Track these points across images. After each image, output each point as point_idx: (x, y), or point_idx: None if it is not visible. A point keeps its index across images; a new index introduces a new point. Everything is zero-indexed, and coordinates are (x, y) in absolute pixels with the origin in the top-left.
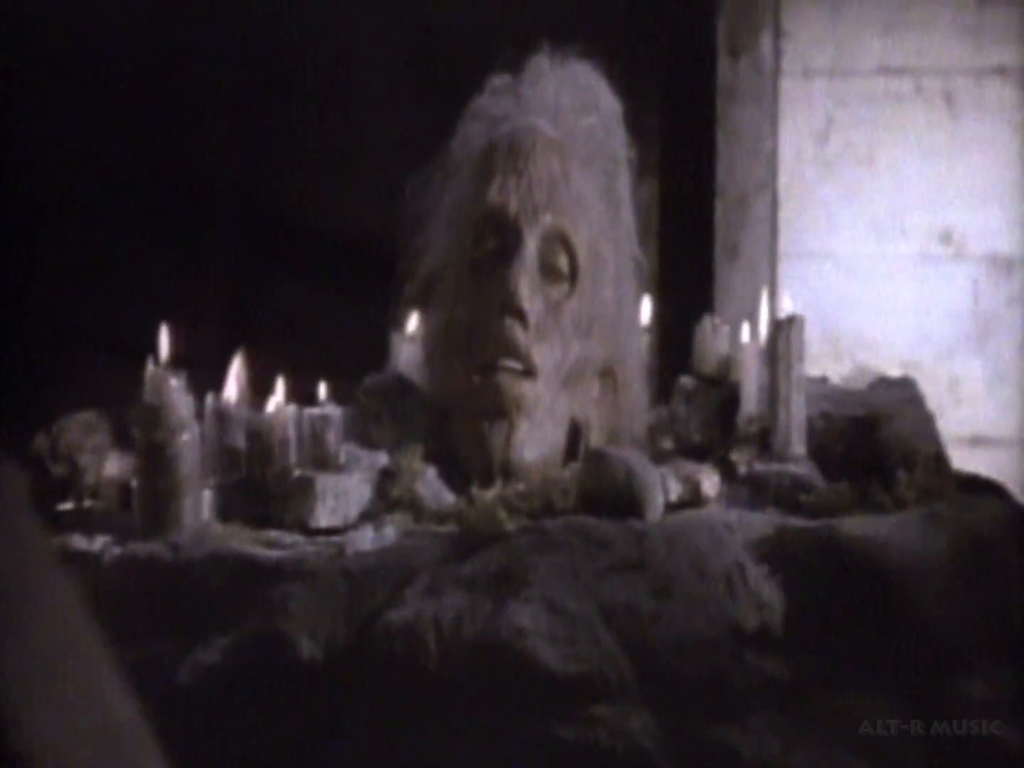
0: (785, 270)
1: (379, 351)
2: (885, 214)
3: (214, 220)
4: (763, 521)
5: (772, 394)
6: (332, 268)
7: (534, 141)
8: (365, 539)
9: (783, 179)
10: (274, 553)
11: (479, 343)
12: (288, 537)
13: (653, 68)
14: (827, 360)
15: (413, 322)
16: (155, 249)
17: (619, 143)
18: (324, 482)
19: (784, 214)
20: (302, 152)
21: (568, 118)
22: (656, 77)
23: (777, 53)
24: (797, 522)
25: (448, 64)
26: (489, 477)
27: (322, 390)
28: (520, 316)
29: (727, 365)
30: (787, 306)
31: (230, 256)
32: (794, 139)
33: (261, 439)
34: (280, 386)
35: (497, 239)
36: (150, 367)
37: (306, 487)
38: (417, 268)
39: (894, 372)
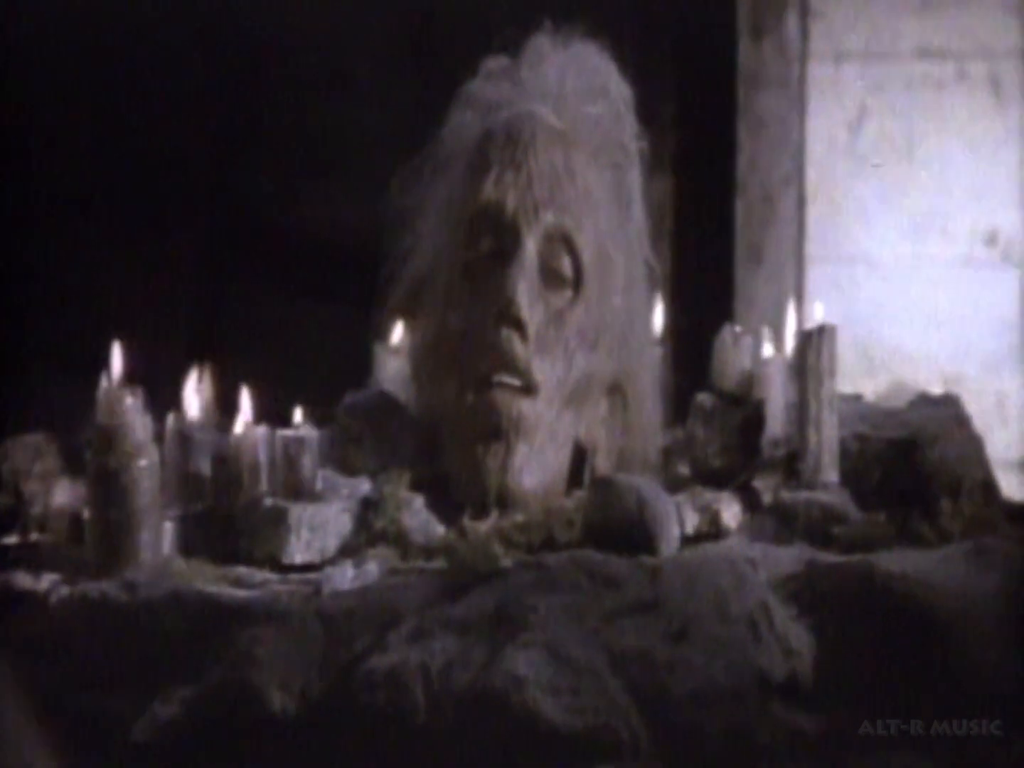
0: (814, 275)
1: (361, 365)
2: (925, 213)
3: (175, 219)
4: (791, 556)
5: (800, 413)
6: (308, 272)
7: (534, 130)
8: (344, 577)
9: (811, 174)
10: (242, 593)
11: (472, 356)
12: (258, 575)
13: (668, 50)
14: (861, 375)
15: (399, 333)
16: (111, 252)
17: (629, 133)
18: (298, 513)
19: (812, 213)
20: (274, 142)
21: (572, 105)
22: (671, 60)
23: (804, 34)
24: (829, 557)
25: (438, 44)
26: (483, 507)
27: (297, 410)
28: (518, 326)
29: (750, 381)
30: (817, 315)
31: (194, 259)
32: (824, 130)
33: (228, 464)
34: (248, 404)
35: (493, 240)
36: (103, 384)
37: (278, 518)
38: (403, 272)
39: (936, 388)
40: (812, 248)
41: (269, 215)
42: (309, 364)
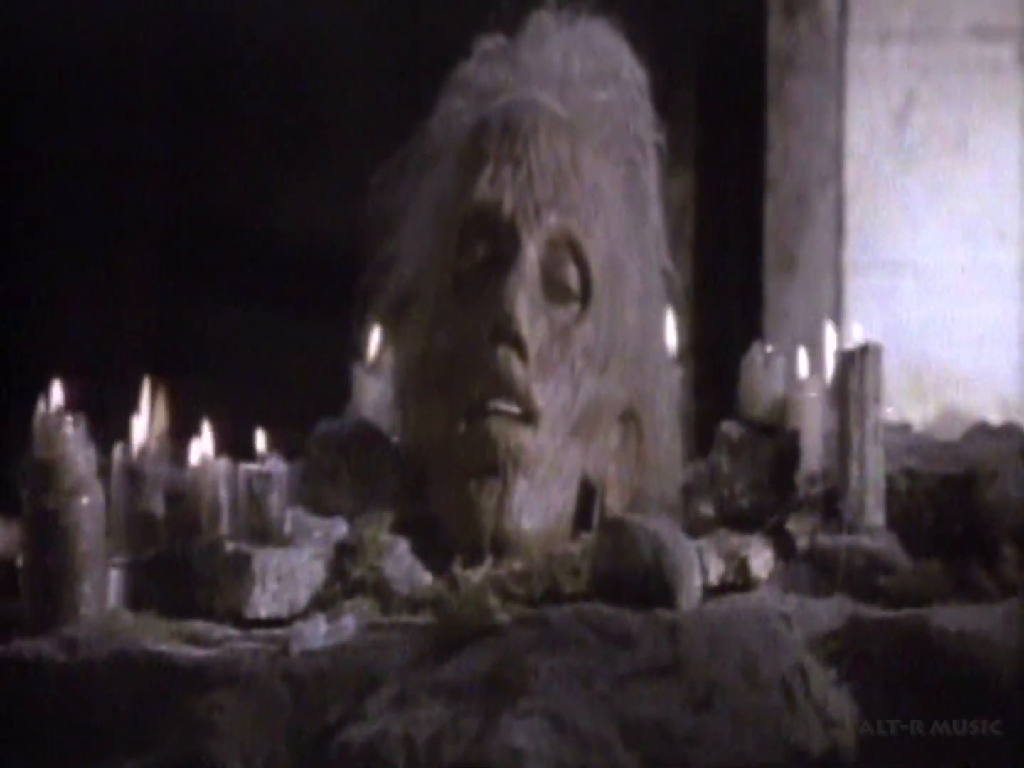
0: (854, 286)
1: (337, 389)
2: (979, 214)
3: (125, 221)
4: (830, 611)
5: (841, 445)
6: (277, 282)
7: (535, 120)
8: (316, 633)
9: (851, 171)
10: (199, 652)
11: (465, 379)
12: (217, 631)
13: (688, 29)
14: (908, 401)
15: (380, 351)
16: (53, 257)
17: (644, 123)
18: (264, 559)
19: (852, 215)
20: (237, 135)
21: (579, 91)
22: (692, 41)
23: (844, 11)
24: (874, 612)
25: (425, 22)
26: (477, 552)
27: (261, 439)
28: (517, 345)
29: (782, 408)
30: (858, 332)
31: (146, 266)
32: (865, 120)
33: (184, 503)
34: (208, 433)
35: (488, 246)
36: (40, 412)
37: (241, 566)
38: (386, 283)
39: (993, 416)
40: (852, 255)
41: (232, 217)
42: (278, 387)
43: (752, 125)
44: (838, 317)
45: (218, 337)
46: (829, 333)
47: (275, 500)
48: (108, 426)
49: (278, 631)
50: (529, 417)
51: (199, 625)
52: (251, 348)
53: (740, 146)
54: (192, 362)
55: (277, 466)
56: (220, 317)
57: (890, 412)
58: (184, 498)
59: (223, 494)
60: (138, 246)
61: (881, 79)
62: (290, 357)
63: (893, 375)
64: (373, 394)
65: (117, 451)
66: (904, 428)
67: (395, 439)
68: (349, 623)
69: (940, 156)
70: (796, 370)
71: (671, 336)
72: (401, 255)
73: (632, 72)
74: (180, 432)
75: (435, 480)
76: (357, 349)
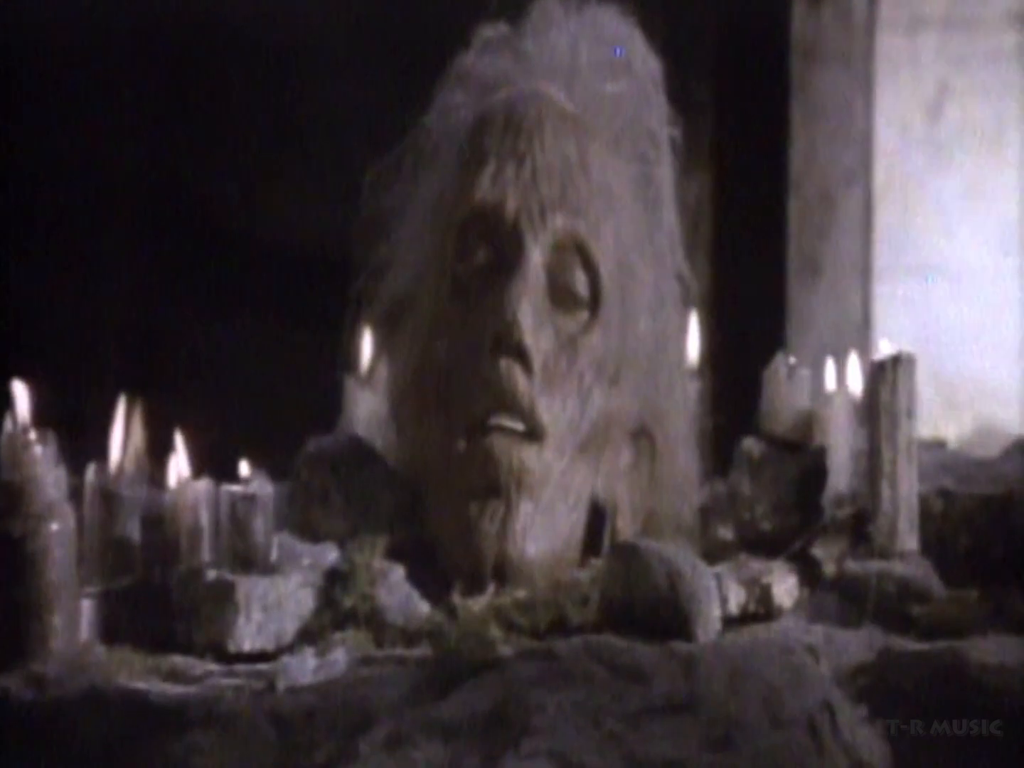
0: (883, 292)
1: (327, 403)
2: (1017, 214)
3: (103, 224)
4: (860, 643)
5: (871, 464)
6: (263, 289)
7: (540, 114)
8: (304, 668)
9: (880, 168)
10: (177, 689)
11: (464, 393)
12: (198, 666)
13: (706, 16)
14: (940, 415)
15: (373, 362)
16: (23, 262)
17: (658, 117)
18: (248, 588)
19: (881, 216)
20: (223, 130)
21: (588, 82)
22: (710, 28)
23: None
24: (907, 644)
25: (423, 10)
26: (478, 580)
27: (245, 459)
28: (521, 356)
29: (807, 423)
30: (888, 342)
31: (125, 273)
32: (895, 114)
33: (162, 528)
34: (187, 452)
35: (489, 249)
36: (6, 429)
37: (223, 595)
38: (379, 289)
39: None
40: (881, 259)
41: (215, 218)
42: (264, 402)
43: (774, 120)
44: (866, 325)
45: (199, 347)
46: (857, 343)
47: (260, 524)
48: (80, 444)
49: (263, 666)
50: (534, 434)
51: (178, 660)
52: (235, 359)
53: (761, 142)
54: (172, 374)
55: (262, 487)
56: (202, 326)
57: (922, 427)
58: (162, 522)
59: (204, 518)
60: (114, 249)
61: (912, 70)
62: (276, 369)
63: (924, 387)
64: (366, 409)
65: (90, 471)
66: (938, 445)
67: (390, 457)
68: (340, 657)
69: (975, 152)
70: (822, 382)
71: (687, 346)
72: (396, 259)
73: (645, 62)
74: (158, 451)
75: (433, 502)
76: (349, 360)
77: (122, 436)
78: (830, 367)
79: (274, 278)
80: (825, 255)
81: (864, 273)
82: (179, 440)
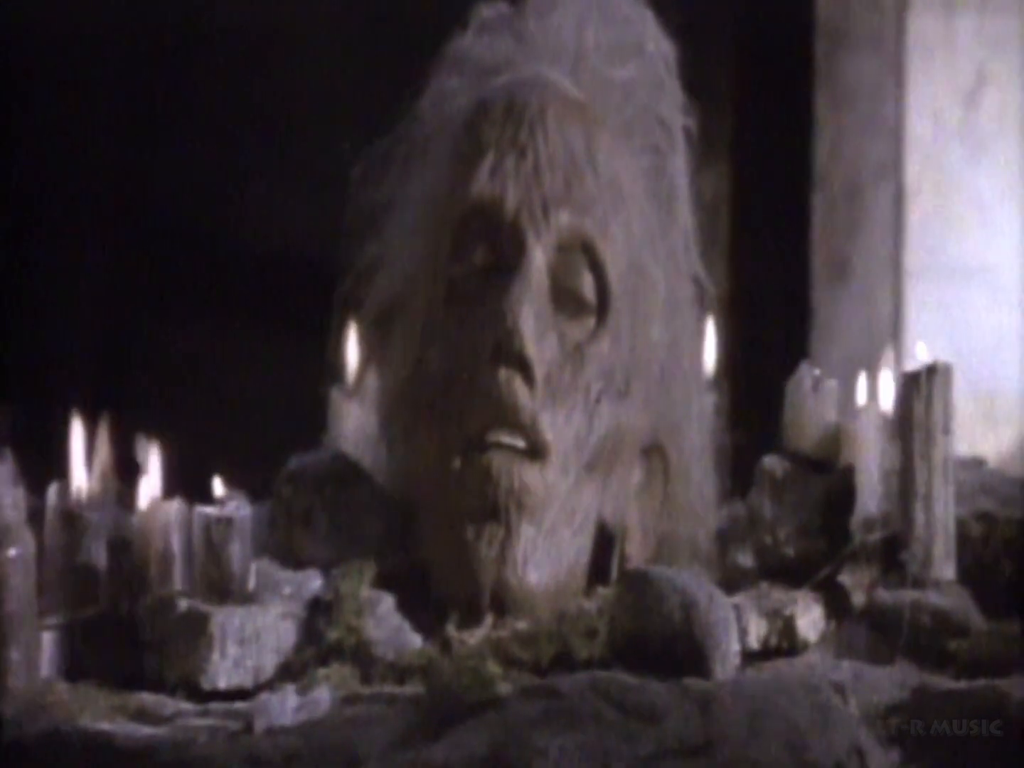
0: (916, 296)
1: (311, 417)
2: None
3: (67, 223)
4: (892, 680)
5: (904, 484)
6: (241, 293)
7: (543, 101)
8: (285, 707)
9: (913, 161)
10: (146, 730)
11: (461, 407)
12: (169, 704)
13: None
14: (979, 431)
15: (362, 373)
16: None
17: (672, 105)
18: (224, 619)
19: (914, 213)
20: (196, 118)
21: (596, 67)
22: (728, 9)
23: None
24: (943, 682)
25: None
26: (475, 610)
27: (220, 478)
28: (522, 366)
29: (834, 440)
30: (920, 353)
31: (91, 276)
32: (929, 103)
33: (130, 553)
34: (158, 471)
35: (488, 249)
36: None
37: (197, 627)
38: (368, 293)
39: None
40: (913, 260)
41: (190, 218)
42: (241, 416)
43: (798, 108)
44: (898, 332)
45: (171, 356)
46: (888, 352)
47: (237, 549)
48: (41, 462)
49: (240, 705)
50: (536, 451)
51: (147, 698)
52: (210, 369)
53: (783, 133)
54: (141, 386)
55: (239, 509)
56: (173, 332)
57: (959, 444)
58: (130, 547)
59: (176, 542)
60: (78, 251)
61: (947, 55)
62: (255, 379)
63: (963, 401)
64: (353, 423)
65: (52, 492)
66: (977, 463)
67: (379, 476)
68: (324, 695)
69: (1015, 144)
70: (850, 395)
71: (703, 355)
72: (386, 260)
73: (657, 45)
74: (126, 469)
75: (426, 525)
76: (334, 370)
77: (86, 453)
78: (859, 378)
79: (252, 280)
80: (853, 255)
81: (895, 275)
82: (149, 457)
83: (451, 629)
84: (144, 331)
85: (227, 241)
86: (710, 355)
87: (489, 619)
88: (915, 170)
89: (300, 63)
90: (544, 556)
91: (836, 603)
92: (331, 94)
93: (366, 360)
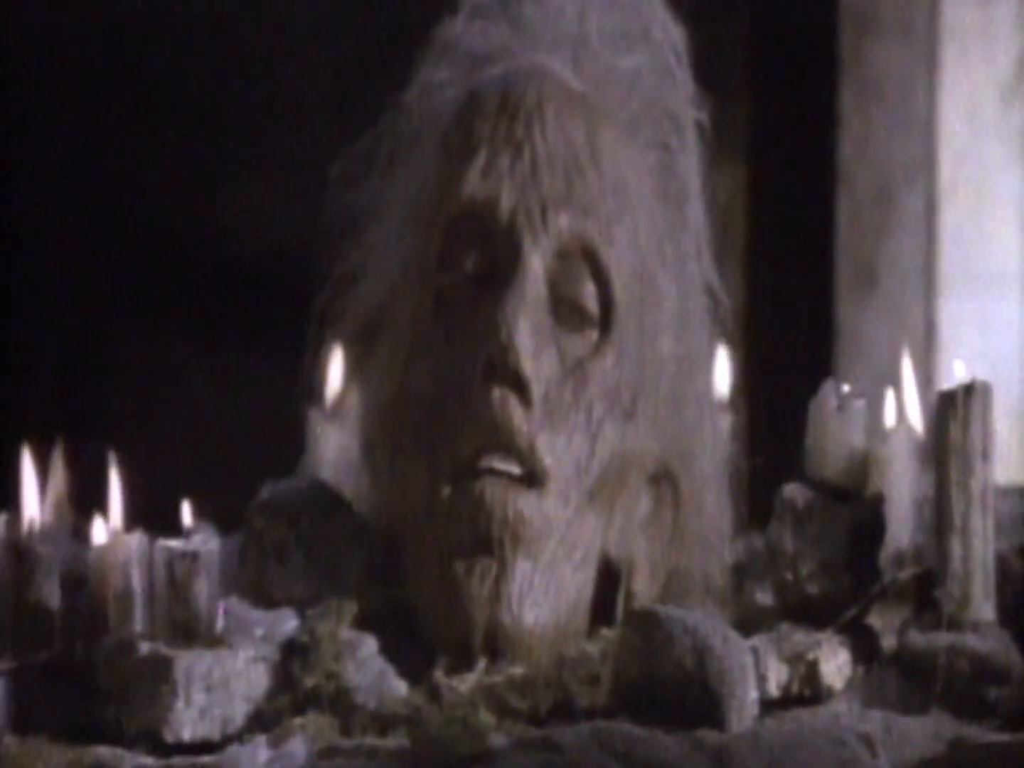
0: (950, 307)
1: (286, 441)
2: None
3: (17, 225)
4: (925, 731)
5: (939, 515)
6: (210, 303)
7: (541, 93)
8: (256, 761)
9: (946, 160)
10: None
11: (451, 430)
12: (128, 759)
13: None
14: (1016, 455)
15: (342, 392)
16: None
17: (682, 98)
18: (189, 664)
19: (948, 216)
20: (161, 113)
21: (598, 55)
22: None
23: None
24: (982, 734)
25: None
26: (466, 654)
27: (186, 508)
28: (517, 385)
29: (862, 466)
30: (958, 371)
31: (45, 283)
32: (965, 96)
33: (86, 591)
34: (118, 500)
35: (481, 256)
36: None
37: (159, 673)
38: (349, 304)
39: None
40: (947, 267)
41: (155, 219)
42: (209, 439)
43: (821, 102)
44: (930, 347)
45: (133, 373)
46: (915, 369)
47: (204, 587)
48: None
49: (207, 758)
50: (533, 478)
51: (104, 752)
52: (175, 387)
53: (805, 128)
54: (99, 406)
55: (206, 543)
56: (136, 348)
57: (998, 471)
58: (86, 585)
59: (136, 579)
60: (31, 259)
61: (984, 44)
62: (225, 399)
63: (1003, 423)
64: (333, 448)
65: (0, 524)
66: (1019, 492)
67: (361, 506)
68: (299, 748)
69: None
70: (879, 416)
71: (717, 372)
72: (369, 268)
73: (666, 31)
74: (82, 500)
75: (412, 560)
76: (312, 389)
77: (39, 481)
78: (888, 398)
79: (222, 290)
80: (881, 263)
81: (927, 284)
82: (108, 485)
83: (439, 675)
84: (104, 346)
85: (193, 247)
86: (724, 372)
87: (481, 664)
88: (949, 170)
89: (274, 51)
90: (542, 594)
91: (864, 646)
92: (308, 86)
93: (346, 378)
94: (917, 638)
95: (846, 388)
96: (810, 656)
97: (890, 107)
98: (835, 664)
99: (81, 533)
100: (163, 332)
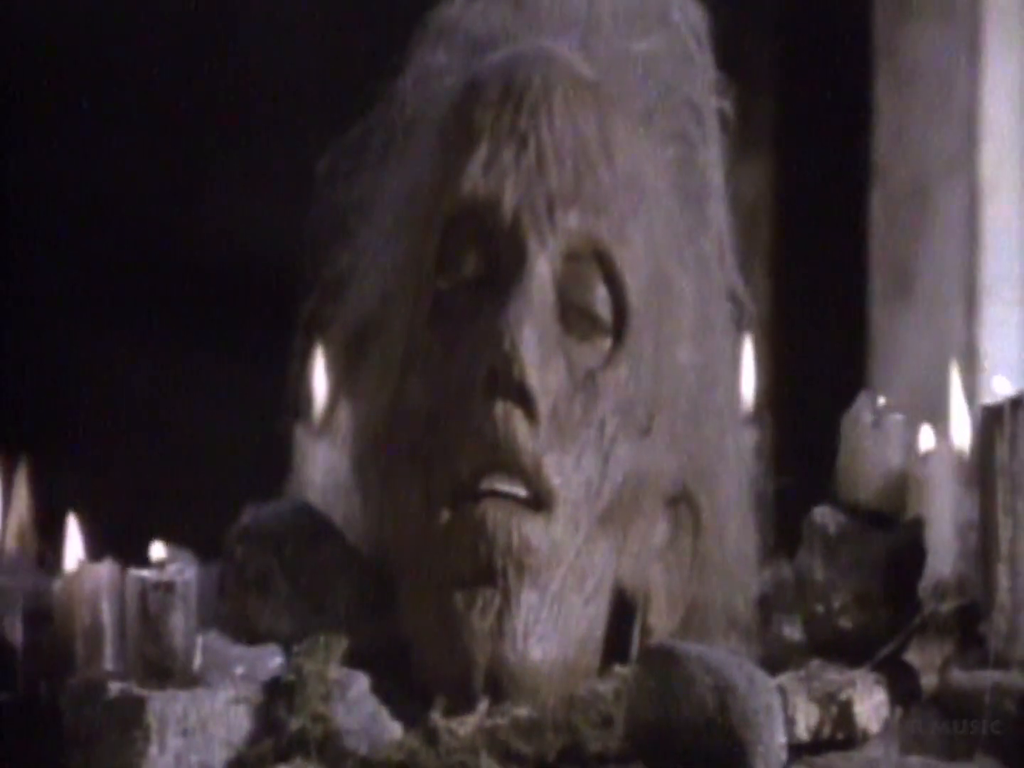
0: (992, 314)
1: (270, 460)
2: None
3: None
4: None
5: (984, 542)
6: (185, 310)
7: (548, 81)
8: None
9: (988, 154)
10: None
11: (449, 448)
12: None
13: None
14: None
15: (331, 407)
16: None
17: (703, 85)
18: (164, 705)
19: (990, 216)
20: (136, 103)
21: (611, 39)
22: None
23: None
24: None
25: None
26: (466, 693)
27: (160, 537)
28: (522, 399)
29: (900, 487)
30: (999, 387)
31: (9, 295)
32: (1008, 84)
33: (50, 626)
34: (81, 527)
35: (481, 258)
36: None
37: (131, 715)
38: (338, 310)
39: None
40: (990, 271)
41: (125, 220)
42: (186, 459)
43: (854, 90)
44: (973, 357)
45: (102, 388)
46: (960, 383)
47: (179, 621)
48: None
49: None
50: (539, 501)
51: None
52: (148, 402)
53: (837, 119)
54: (66, 424)
55: (182, 573)
56: (106, 359)
57: None
58: (51, 619)
59: (106, 613)
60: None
61: None
62: (203, 415)
63: None
64: (320, 468)
65: None
66: None
67: (351, 532)
68: None
69: None
70: (917, 433)
71: (741, 385)
72: (359, 272)
73: (685, 12)
74: (48, 526)
75: (407, 591)
76: (298, 403)
77: (0, 505)
78: (927, 413)
79: (196, 295)
80: (918, 265)
81: (968, 289)
82: (79, 514)
83: (437, 716)
84: (71, 357)
85: (163, 248)
86: (749, 384)
87: (483, 704)
88: (990, 165)
89: (254, 33)
90: (549, 628)
91: (902, 685)
92: (291, 72)
93: (336, 391)
94: (960, 677)
95: (882, 401)
96: (843, 696)
97: (929, 96)
98: (870, 705)
99: (47, 562)
100: (133, 341)
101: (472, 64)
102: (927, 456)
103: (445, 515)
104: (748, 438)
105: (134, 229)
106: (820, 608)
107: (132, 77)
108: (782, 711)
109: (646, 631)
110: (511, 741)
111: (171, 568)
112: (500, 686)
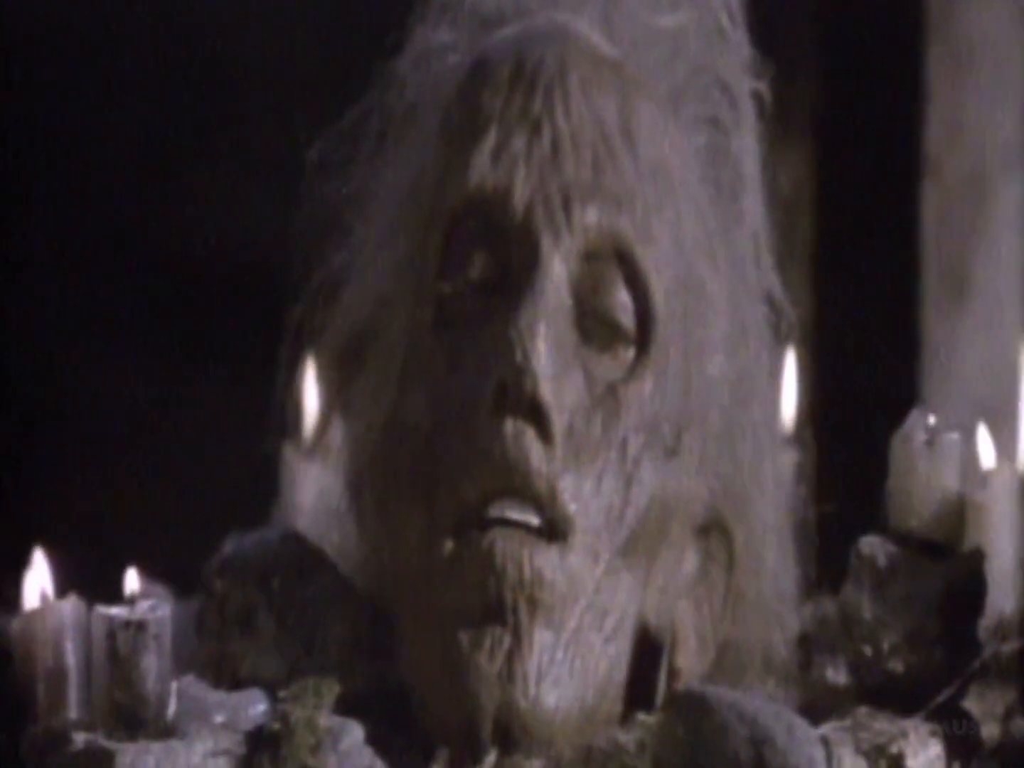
0: None
1: (255, 482)
2: None
3: None
4: None
5: None
6: (164, 316)
7: (564, 61)
8: None
9: None
10: None
11: (454, 470)
12: None
13: None
14: None
15: (323, 424)
16: None
17: (736, 65)
18: (135, 758)
19: None
20: (118, 92)
21: (635, 13)
22: None
23: None
24: None
25: None
26: (473, 743)
27: (132, 570)
28: (535, 415)
29: (956, 514)
30: None
31: None
32: None
33: (10, 669)
34: (46, 560)
35: (490, 259)
36: None
37: (99, 767)
38: (331, 316)
39: None
40: None
41: (106, 218)
42: (162, 482)
43: (903, 73)
44: None
45: (71, 402)
46: (1021, 393)
47: (152, 664)
48: None
49: None
50: (554, 530)
51: None
52: (121, 418)
53: (885, 105)
54: (29, 443)
55: (156, 610)
56: (73, 372)
57: None
58: (10, 661)
59: (70, 654)
60: None
61: None
62: (182, 432)
63: None
64: (311, 492)
65: None
66: None
67: (345, 564)
68: None
69: None
70: (976, 453)
71: (780, 400)
72: (354, 273)
73: None
74: (8, 560)
75: (407, 629)
76: (287, 419)
77: None
78: (984, 432)
79: (175, 300)
80: (974, 268)
81: None
82: (42, 547)
83: None
84: (35, 369)
85: (138, 247)
86: (789, 400)
87: (491, 756)
88: None
89: (241, 11)
90: (565, 671)
91: (960, 736)
92: (281, 53)
93: (328, 406)
94: None
95: (935, 419)
96: (894, 748)
97: (986, 80)
98: (925, 758)
99: (5, 599)
100: (106, 352)
101: (479, 42)
102: (987, 478)
103: (449, 545)
104: (787, 459)
105: (109, 235)
106: (868, 649)
107: (113, 57)
108: (826, 765)
109: (673, 675)
110: None
111: (143, 605)
112: (510, 735)
